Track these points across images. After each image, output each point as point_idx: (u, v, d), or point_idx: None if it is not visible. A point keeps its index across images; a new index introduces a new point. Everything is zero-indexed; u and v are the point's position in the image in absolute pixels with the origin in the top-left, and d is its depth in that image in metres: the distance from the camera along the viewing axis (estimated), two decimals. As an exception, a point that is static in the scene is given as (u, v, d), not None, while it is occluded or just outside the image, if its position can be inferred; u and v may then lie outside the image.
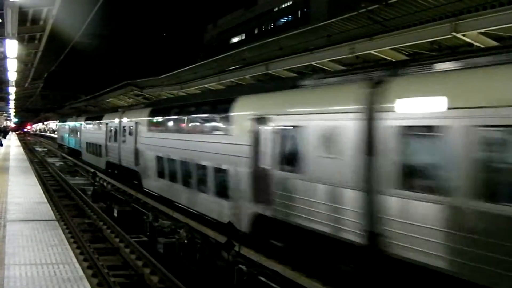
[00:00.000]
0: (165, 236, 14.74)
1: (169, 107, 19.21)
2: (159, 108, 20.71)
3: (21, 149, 40.29)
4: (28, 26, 18.09)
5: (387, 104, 7.76)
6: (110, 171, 28.17)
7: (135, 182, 22.19)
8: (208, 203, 14.05)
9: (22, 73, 30.81)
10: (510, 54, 6.76)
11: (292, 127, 10.10)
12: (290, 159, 10.11)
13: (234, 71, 21.33)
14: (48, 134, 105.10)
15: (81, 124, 39.07)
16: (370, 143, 8.05)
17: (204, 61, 24.39)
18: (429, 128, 7.05)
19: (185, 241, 13.84)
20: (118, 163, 25.32)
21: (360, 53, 13.69)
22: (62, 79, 77.93)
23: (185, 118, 16.54)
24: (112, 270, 12.24)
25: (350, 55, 14.04)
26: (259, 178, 11.10)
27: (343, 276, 9.09)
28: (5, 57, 21.20)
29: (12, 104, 63.09)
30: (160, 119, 19.53)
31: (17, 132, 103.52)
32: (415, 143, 7.45)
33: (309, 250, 9.92)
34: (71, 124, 45.79)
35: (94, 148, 32.35)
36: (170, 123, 18.09)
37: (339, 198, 8.71)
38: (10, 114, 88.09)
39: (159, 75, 29.85)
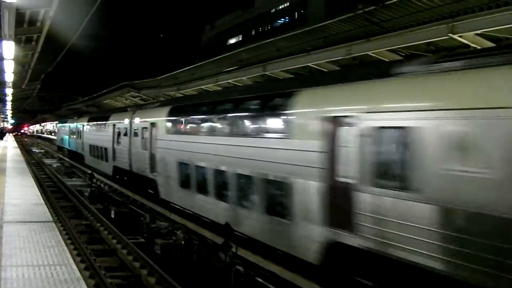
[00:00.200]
0: (162, 237, 14.78)
1: (197, 104, 16.81)
2: (181, 106, 18.16)
3: (18, 151, 40.22)
4: (25, 28, 18.04)
5: None
6: (118, 177, 25.25)
7: (150, 191, 19.65)
8: (255, 223, 11.73)
9: (19, 74, 30.71)
10: None
11: (397, 129, 7.83)
12: (393, 172, 7.94)
13: (231, 72, 21.31)
14: (45, 135, 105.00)
15: (83, 125, 35.95)
16: None
17: (202, 62, 24.33)
18: None
19: (182, 242, 13.87)
20: (128, 169, 22.67)
21: (357, 54, 13.70)
22: (59, 80, 78.23)
23: (221, 117, 14.21)
24: (109, 272, 12.25)
25: (347, 56, 14.05)
26: (337, 195, 8.94)
27: None
28: (2, 59, 21.14)
29: (9, 105, 62.95)
30: (185, 119, 16.82)
31: (14, 134, 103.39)
32: None
33: None
34: (72, 125, 42.14)
35: (99, 152, 29.52)
36: (200, 124, 15.68)
37: (483, 229, 6.44)
38: (7, 115, 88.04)
39: (157, 76, 29.78)
